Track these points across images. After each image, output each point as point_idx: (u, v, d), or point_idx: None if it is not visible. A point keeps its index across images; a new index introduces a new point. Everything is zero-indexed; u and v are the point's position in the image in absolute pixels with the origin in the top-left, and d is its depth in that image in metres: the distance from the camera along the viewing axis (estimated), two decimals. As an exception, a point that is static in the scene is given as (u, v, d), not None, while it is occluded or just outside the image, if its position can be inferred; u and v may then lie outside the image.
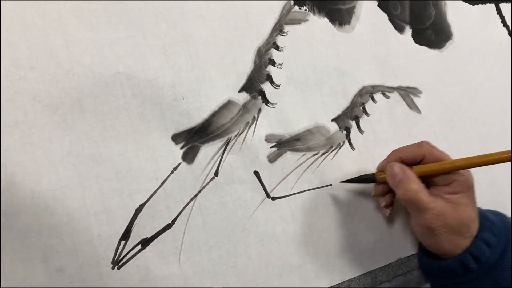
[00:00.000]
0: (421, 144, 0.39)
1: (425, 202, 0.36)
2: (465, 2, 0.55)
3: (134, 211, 0.35)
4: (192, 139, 0.38)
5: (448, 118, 0.51)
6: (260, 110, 0.41)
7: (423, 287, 0.46)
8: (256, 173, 0.40)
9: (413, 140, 0.42)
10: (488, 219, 0.40)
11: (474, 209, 0.39)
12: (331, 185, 0.43)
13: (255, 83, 0.41)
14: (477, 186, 0.40)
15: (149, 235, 0.36)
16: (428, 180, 0.39)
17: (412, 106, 0.49)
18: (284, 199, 0.41)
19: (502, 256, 0.38)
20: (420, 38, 0.51)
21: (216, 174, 0.38)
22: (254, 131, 0.40)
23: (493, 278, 0.38)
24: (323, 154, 0.43)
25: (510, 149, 0.37)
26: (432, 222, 0.37)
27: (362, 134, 0.45)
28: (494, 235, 0.38)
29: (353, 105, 0.45)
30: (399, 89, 0.48)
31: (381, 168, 0.41)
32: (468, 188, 0.38)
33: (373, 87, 0.47)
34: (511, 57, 0.56)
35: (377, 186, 0.42)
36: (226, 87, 0.40)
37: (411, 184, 0.37)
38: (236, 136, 0.40)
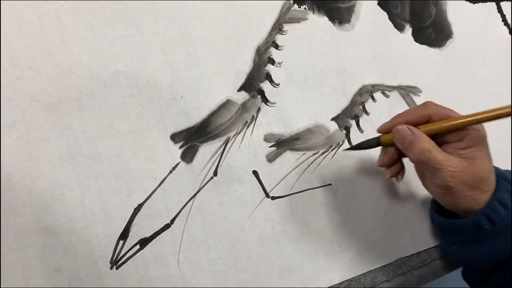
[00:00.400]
0: (425, 104, 0.38)
1: (441, 160, 0.35)
2: (466, 0, 0.54)
3: (132, 210, 0.35)
4: (191, 138, 0.38)
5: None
6: (259, 109, 0.41)
7: (423, 287, 0.46)
8: (255, 172, 0.40)
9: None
10: (505, 178, 0.38)
11: (490, 162, 0.37)
12: (330, 184, 0.43)
13: (255, 82, 0.41)
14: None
15: (148, 235, 0.35)
16: (438, 140, 0.37)
17: (412, 105, 0.48)
18: (283, 198, 0.41)
19: None
20: (420, 37, 0.50)
21: (215, 173, 0.38)
22: (253, 131, 0.40)
23: (506, 239, 0.37)
24: (323, 153, 0.43)
25: None
26: (449, 180, 0.35)
27: (362, 133, 0.45)
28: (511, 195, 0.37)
29: (353, 104, 0.45)
30: (399, 88, 0.48)
31: (384, 130, 0.39)
32: (481, 141, 0.36)
33: (373, 86, 0.46)
34: (511, 56, 0.56)
35: (383, 154, 0.40)
36: (225, 86, 0.40)
37: (423, 143, 0.35)
38: (235, 135, 0.39)
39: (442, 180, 0.35)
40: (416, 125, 0.37)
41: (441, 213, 0.42)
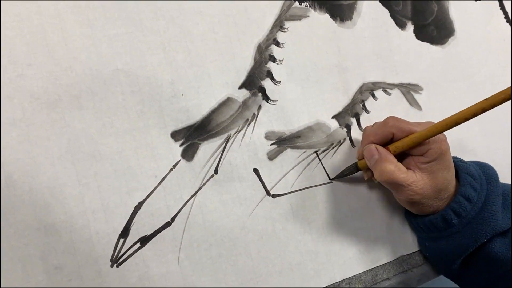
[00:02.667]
0: (386, 122, 0.39)
1: (402, 181, 0.37)
2: (468, -3, 0.54)
3: (133, 208, 0.35)
4: (192, 136, 0.38)
5: (449, 115, 0.50)
6: (260, 107, 0.41)
7: (424, 286, 0.46)
8: (256, 170, 0.40)
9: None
10: (470, 174, 0.41)
11: (450, 171, 0.39)
12: (331, 182, 0.43)
13: (255, 80, 0.41)
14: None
15: (148, 233, 0.35)
16: (405, 153, 0.40)
17: (413, 103, 0.48)
18: (284, 196, 0.40)
19: (483, 209, 0.39)
20: (422, 34, 0.50)
21: (216, 171, 0.38)
22: (253, 128, 0.40)
23: (473, 231, 0.39)
24: (323, 151, 0.43)
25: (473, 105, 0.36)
26: (411, 196, 0.38)
27: (362, 131, 0.45)
28: (475, 190, 0.40)
29: (353, 102, 0.45)
30: (400, 85, 0.48)
31: (359, 155, 0.42)
32: (442, 154, 0.38)
33: (374, 84, 0.46)
34: (514, 53, 0.55)
35: (366, 171, 0.42)
36: (226, 84, 0.39)
37: (386, 165, 0.38)
38: (235, 133, 0.39)
39: (406, 196, 0.38)
40: (383, 143, 0.40)
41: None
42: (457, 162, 0.42)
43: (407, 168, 0.39)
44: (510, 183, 0.47)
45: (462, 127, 0.50)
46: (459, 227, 0.40)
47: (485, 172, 0.42)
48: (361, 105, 0.45)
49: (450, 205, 0.39)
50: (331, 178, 0.42)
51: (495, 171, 0.42)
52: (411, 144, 0.38)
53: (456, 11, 0.53)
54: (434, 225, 0.41)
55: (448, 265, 0.43)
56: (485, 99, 0.35)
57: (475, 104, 0.35)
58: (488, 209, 0.39)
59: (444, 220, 0.40)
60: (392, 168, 0.38)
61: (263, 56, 0.41)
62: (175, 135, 0.37)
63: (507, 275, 0.40)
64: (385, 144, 0.40)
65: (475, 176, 0.41)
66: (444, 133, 0.38)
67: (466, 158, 0.45)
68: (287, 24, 0.43)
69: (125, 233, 0.35)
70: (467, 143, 0.43)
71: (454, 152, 0.43)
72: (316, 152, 0.42)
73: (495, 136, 0.53)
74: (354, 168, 0.42)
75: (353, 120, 0.45)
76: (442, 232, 0.41)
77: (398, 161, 0.39)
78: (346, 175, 0.43)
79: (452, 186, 0.40)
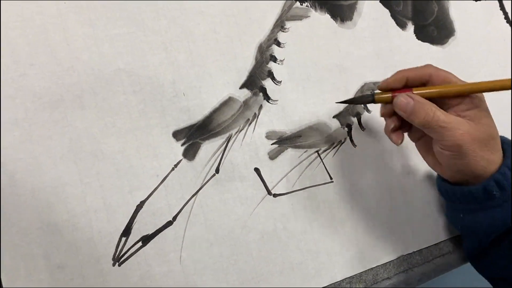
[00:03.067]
0: (427, 65, 0.37)
1: (448, 121, 0.34)
2: (468, -2, 0.54)
3: (134, 208, 0.35)
4: (193, 135, 0.38)
5: (450, 115, 0.50)
6: (261, 106, 0.41)
7: (424, 286, 0.46)
8: (257, 170, 0.40)
9: (415, 137, 0.41)
10: (510, 144, 0.38)
11: (493, 122, 0.37)
12: (332, 182, 0.43)
13: (256, 80, 0.41)
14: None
15: (150, 232, 0.35)
16: (438, 103, 0.37)
17: (414, 102, 0.48)
18: (285, 196, 0.41)
19: None
20: (422, 34, 0.50)
21: (217, 171, 0.38)
22: (254, 128, 0.40)
23: None
24: (324, 150, 0.43)
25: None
26: (460, 139, 0.34)
27: (363, 131, 0.45)
28: None
29: (354, 101, 0.45)
30: (401, 85, 0.48)
31: (385, 86, 0.38)
32: (481, 102, 0.36)
33: (375, 83, 0.46)
34: (514, 54, 0.56)
35: (384, 105, 0.39)
36: (227, 84, 0.40)
37: (427, 106, 0.35)
38: (237, 133, 0.39)
39: (453, 139, 0.34)
40: (416, 84, 0.37)
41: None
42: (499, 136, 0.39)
43: None
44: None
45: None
46: (500, 201, 0.36)
47: None
48: (362, 104, 0.45)
49: (494, 176, 0.36)
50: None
51: None
52: (450, 94, 0.35)
53: (456, 12, 0.53)
54: (474, 195, 0.37)
55: (480, 240, 0.40)
56: None
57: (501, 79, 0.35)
58: None
59: (486, 192, 0.36)
60: (433, 108, 0.35)
61: (264, 56, 0.41)
62: (176, 134, 0.37)
63: None
64: (417, 85, 0.37)
65: None
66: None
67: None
68: (288, 24, 0.43)
69: (127, 232, 0.35)
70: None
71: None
72: (317, 151, 0.43)
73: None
74: (370, 99, 0.38)
75: (354, 120, 0.45)
76: (481, 204, 0.38)
77: None
78: (356, 103, 0.39)
79: (499, 140, 0.36)
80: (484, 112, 0.36)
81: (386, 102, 0.38)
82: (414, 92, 0.36)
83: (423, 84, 0.37)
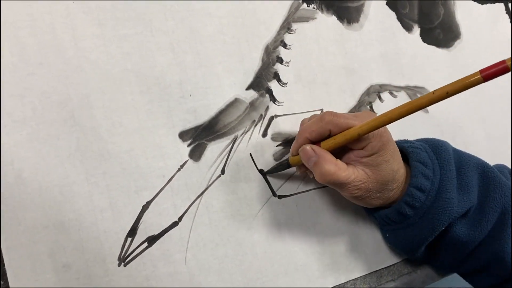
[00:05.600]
0: (323, 117, 0.36)
1: (344, 180, 0.36)
2: (474, 1, 0.54)
3: (141, 208, 0.35)
4: (199, 136, 0.38)
5: (456, 117, 0.50)
6: (267, 108, 0.41)
7: (428, 287, 0.46)
8: (262, 171, 0.40)
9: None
10: (421, 161, 0.39)
11: (395, 162, 0.37)
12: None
13: (263, 81, 0.41)
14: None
15: (156, 232, 0.36)
16: (345, 147, 0.37)
17: (420, 105, 0.48)
18: (290, 197, 0.41)
19: (437, 198, 0.38)
20: (428, 37, 0.50)
21: (223, 172, 0.38)
22: (260, 129, 0.40)
23: (429, 221, 0.38)
24: (329, 152, 0.43)
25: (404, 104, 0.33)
26: (354, 193, 0.37)
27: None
28: (427, 179, 0.38)
29: (360, 104, 0.45)
30: (406, 88, 0.48)
31: (294, 151, 0.39)
32: (384, 146, 0.36)
33: (381, 86, 0.46)
34: (519, 57, 0.56)
35: (299, 167, 0.40)
36: (234, 85, 0.40)
37: (326, 166, 0.36)
38: (243, 134, 0.40)
39: (350, 193, 0.37)
40: (319, 139, 0.37)
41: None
42: (407, 147, 0.40)
43: (348, 163, 0.37)
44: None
45: (469, 136, 0.51)
46: (415, 219, 0.38)
47: (438, 153, 0.40)
48: (368, 107, 0.45)
49: (403, 198, 0.38)
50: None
51: (448, 150, 0.40)
52: (346, 142, 0.36)
53: (462, 15, 0.53)
54: (390, 218, 0.40)
55: (411, 254, 0.42)
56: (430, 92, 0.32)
57: (403, 104, 0.34)
58: (442, 197, 0.38)
59: (399, 214, 0.39)
60: (332, 169, 0.36)
61: (271, 58, 0.41)
62: (183, 135, 0.37)
63: (473, 254, 0.40)
64: (323, 139, 0.37)
65: (427, 163, 0.39)
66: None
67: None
68: (295, 26, 0.43)
69: (132, 232, 0.35)
70: (472, 153, 0.43)
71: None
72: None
73: (496, 139, 0.53)
74: (286, 165, 0.40)
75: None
76: (399, 224, 0.40)
77: (338, 156, 0.37)
78: (278, 171, 0.40)
79: (400, 175, 0.38)
80: (383, 157, 0.36)
81: (300, 165, 0.39)
82: (321, 146, 0.37)
83: (328, 136, 0.37)
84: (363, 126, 0.34)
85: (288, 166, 0.40)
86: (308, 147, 0.37)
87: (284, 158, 0.41)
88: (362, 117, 0.36)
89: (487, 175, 0.40)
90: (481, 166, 0.41)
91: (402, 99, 0.48)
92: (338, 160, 0.37)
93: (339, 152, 0.37)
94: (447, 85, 0.32)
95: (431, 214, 0.38)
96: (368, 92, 0.46)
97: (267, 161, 0.40)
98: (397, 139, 0.40)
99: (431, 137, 0.42)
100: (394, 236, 0.42)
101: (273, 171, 0.40)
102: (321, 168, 0.36)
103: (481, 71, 0.31)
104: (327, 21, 0.44)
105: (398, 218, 0.39)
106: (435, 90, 0.32)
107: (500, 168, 0.44)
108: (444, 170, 0.39)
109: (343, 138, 0.36)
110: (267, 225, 0.39)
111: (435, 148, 0.40)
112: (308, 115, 0.41)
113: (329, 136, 0.37)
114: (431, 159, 0.39)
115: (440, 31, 0.51)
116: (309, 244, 0.41)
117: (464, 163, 0.40)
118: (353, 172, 0.36)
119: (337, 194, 0.43)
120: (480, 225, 0.39)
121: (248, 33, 0.41)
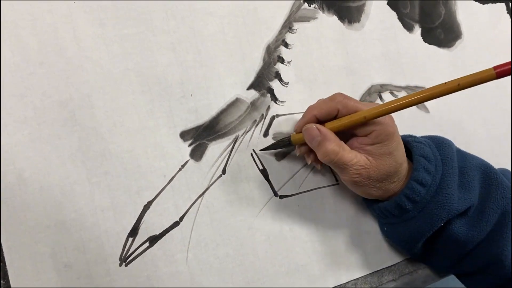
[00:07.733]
0: (334, 97, 0.37)
1: (346, 161, 0.36)
2: (476, 1, 0.54)
3: (142, 208, 0.35)
4: (200, 136, 0.38)
5: (457, 117, 0.50)
6: (268, 107, 0.41)
7: (429, 287, 0.46)
8: (263, 171, 0.40)
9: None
10: (424, 155, 0.39)
11: (399, 155, 0.37)
12: (338, 184, 0.43)
13: (264, 81, 0.41)
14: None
15: (157, 232, 0.36)
16: (348, 132, 0.38)
17: (420, 105, 0.48)
18: (291, 197, 0.41)
19: (437, 193, 0.38)
20: (429, 37, 0.50)
21: (224, 172, 0.38)
22: (261, 129, 0.40)
23: (428, 216, 0.38)
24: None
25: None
26: (355, 177, 0.37)
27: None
28: (429, 173, 0.38)
29: (361, 104, 0.45)
30: (407, 88, 0.48)
31: (298, 129, 0.39)
32: (389, 136, 0.36)
33: (382, 86, 0.46)
34: (520, 57, 0.55)
35: (299, 146, 0.40)
36: (235, 85, 0.40)
37: (329, 145, 0.36)
38: (244, 134, 0.40)
39: (350, 176, 0.37)
40: (326, 118, 0.37)
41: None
42: (411, 142, 0.40)
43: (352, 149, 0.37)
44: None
45: (470, 136, 0.50)
46: (414, 213, 0.38)
47: (441, 150, 0.40)
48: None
49: (403, 191, 0.38)
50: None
51: (451, 148, 0.40)
52: (351, 124, 0.36)
53: (463, 14, 0.53)
54: (389, 211, 0.39)
55: (409, 249, 0.42)
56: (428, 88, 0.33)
57: (413, 94, 0.34)
58: (443, 193, 0.37)
59: (398, 207, 0.38)
60: (336, 148, 0.36)
61: (272, 57, 0.41)
62: (184, 135, 0.37)
63: (471, 255, 0.40)
64: (329, 119, 0.37)
65: (429, 158, 0.39)
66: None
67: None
68: (296, 26, 0.43)
69: (134, 232, 0.35)
70: (474, 153, 0.43)
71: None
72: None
73: (497, 139, 0.53)
74: (287, 142, 0.39)
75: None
76: (398, 218, 0.40)
77: (343, 141, 0.37)
78: (277, 148, 0.40)
79: (403, 169, 0.38)
80: (388, 148, 0.36)
81: (302, 144, 0.39)
82: (326, 126, 0.37)
83: (334, 118, 0.37)
84: (371, 110, 0.35)
85: (289, 144, 0.39)
86: (313, 126, 0.37)
87: (286, 137, 0.40)
88: (371, 106, 0.36)
89: (489, 176, 0.40)
90: (484, 167, 0.41)
91: (403, 99, 0.47)
92: (342, 142, 0.37)
93: (342, 138, 0.37)
94: (459, 78, 0.32)
95: (430, 208, 0.38)
96: (369, 92, 0.46)
97: (268, 161, 0.40)
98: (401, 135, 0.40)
99: None
100: (392, 230, 0.42)
101: (273, 147, 0.40)
102: (325, 146, 0.36)
103: (495, 68, 0.31)
104: (328, 20, 0.44)
105: (397, 212, 0.39)
106: (446, 82, 0.32)
107: (503, 172, 0.44)
108: (446, 166, 0.39)
109: (348, 119, 0.36)
110: (268, 225, 0.39)
111: (439, 145, 0.40)
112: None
113: (335, 118, 0.37)
114: (434, 155, 0.39)
115: (441, 31, 0.51)
116: (310, 244, 0.41)
117: (467, 162, 0.40)
118: (355, 156, 0.36)
119: (338, 195, 0.43)
120: (480, 225, 0.39)
121: (249, 33, 0.40)
